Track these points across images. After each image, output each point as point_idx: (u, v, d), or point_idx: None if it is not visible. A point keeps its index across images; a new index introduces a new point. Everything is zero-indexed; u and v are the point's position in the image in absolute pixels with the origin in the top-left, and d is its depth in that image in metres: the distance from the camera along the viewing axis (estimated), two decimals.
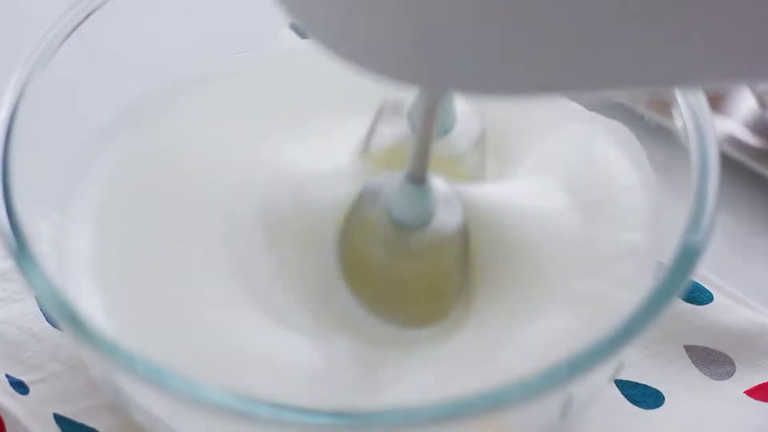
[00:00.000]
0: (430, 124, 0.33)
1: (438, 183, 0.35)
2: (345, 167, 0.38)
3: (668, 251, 0.33)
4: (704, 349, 0.41)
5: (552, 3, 0.26)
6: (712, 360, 0.40)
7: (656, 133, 0.38)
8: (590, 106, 0.40)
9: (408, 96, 0.37)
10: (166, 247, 0.37)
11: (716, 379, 0.40)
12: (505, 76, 0.28)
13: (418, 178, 0.34)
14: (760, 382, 0.40)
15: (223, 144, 0.40)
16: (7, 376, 0.39)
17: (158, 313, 0.36)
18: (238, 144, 0.40)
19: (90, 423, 0.39)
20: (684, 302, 0.41)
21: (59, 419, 0.39)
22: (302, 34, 0.46)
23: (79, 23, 0.38)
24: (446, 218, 0.35)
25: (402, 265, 0.36)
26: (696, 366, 0.40)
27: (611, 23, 0.26)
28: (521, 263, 0.36)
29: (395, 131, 0.37)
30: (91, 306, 0.35)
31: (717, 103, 0.47)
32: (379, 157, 0.38)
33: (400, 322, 0.36)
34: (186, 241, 0.37)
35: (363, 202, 0.36)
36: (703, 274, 0.41)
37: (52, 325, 0.40)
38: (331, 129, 0.40)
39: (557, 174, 0.38)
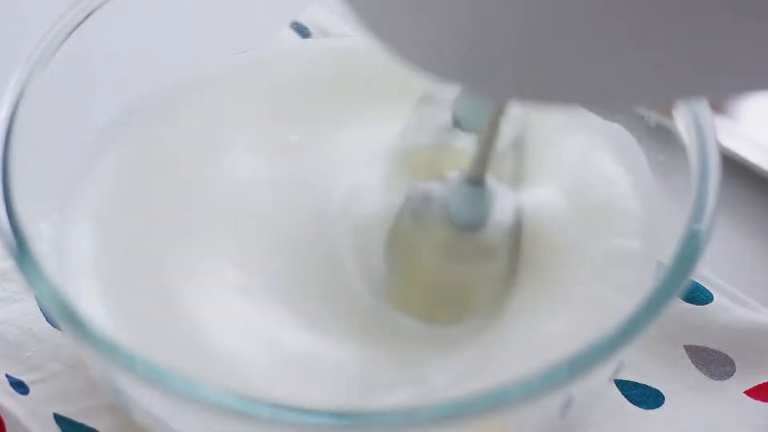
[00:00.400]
0: (495, 125, 0.32)
1: (495, 185, 0.35)
2: (385, 171, 0.37)
3: (668, 251, 0.33)
4: (704, 349, 0.41)
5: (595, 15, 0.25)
6: (712, 360, 0.40)
7: (656, 133, 0.38)
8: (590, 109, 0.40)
9: (446, 89, 0.36)
10: (166, 246, 0.37)
11: (716, 379, 0.40)
12: (541, 83, 0.27)
13: (477, 180, 0.34)
14: (760, 382, 0.40)
15: (223, 144, 0.40)
16: (7, 376, 0.39)
17: (158, 313, 0.36)
18: (237, 144, 0.40)
19: (90, 423, 0.39)
20: (684, 302, 0.41)
21: (59, 419, 0.39)
22: (302, 34, 0.46)
23: (79, 23, 0.38)
24: (501, 220, 0.35)
25: (455, 266, 0.35)
26: (696, 366, 0.40)
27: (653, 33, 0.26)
28: (523, 265, 0.36)
29: (435, 126, 0.37)
30: (91, 306, 0.35)
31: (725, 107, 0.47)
32: (420, 155, 0.37)
33: (425, 321, 0.36)
34: (186, 241, 0.37)
35: (412, 204, 0.35)
36: (703, 274, 0.41)
37: (52, 325, 0.40)
38: (332, 128, 0.40)
39: (555, 177, 0.38)
